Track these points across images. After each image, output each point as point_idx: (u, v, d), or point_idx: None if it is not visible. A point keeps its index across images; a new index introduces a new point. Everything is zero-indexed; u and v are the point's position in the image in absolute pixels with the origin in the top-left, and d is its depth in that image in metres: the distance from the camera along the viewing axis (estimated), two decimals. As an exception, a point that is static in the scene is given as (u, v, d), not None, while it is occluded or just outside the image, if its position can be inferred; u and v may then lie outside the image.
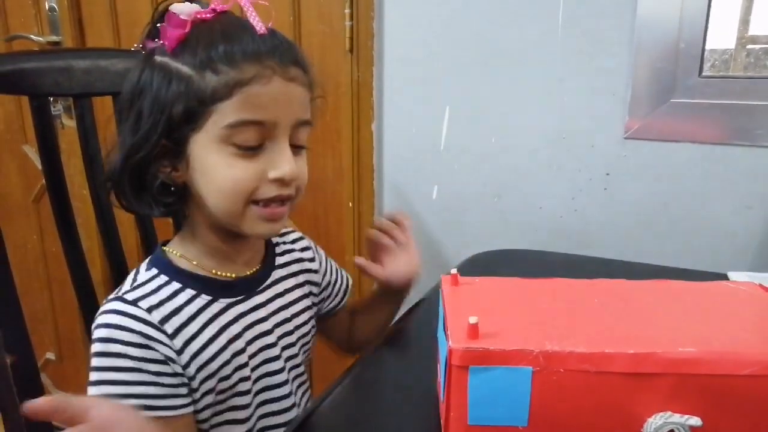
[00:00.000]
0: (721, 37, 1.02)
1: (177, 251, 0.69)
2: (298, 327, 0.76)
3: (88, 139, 0.82)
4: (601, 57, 1.06)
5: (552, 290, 0.59)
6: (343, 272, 0.88)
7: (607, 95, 1.08)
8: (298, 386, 0.77)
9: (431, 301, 0.87)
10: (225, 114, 0.60)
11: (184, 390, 0.63)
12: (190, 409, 0.63)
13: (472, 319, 0.47)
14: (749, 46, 1.04)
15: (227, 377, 0.67)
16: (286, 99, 0.63)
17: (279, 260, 0.77)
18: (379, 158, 1.27)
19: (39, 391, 0.66)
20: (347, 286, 0.87)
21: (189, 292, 0.66)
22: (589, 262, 1.00)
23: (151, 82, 0.62)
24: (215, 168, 0.62)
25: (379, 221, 0.85)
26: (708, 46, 1.01)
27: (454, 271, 0.59)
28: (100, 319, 0.62)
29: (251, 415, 0.71)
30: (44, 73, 0.74)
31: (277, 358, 0.72)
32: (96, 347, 0.61)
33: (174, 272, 0.67)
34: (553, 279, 0.61)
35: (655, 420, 0.47)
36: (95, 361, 0.61)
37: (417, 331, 0.81)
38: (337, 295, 0.85)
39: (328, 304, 0.85)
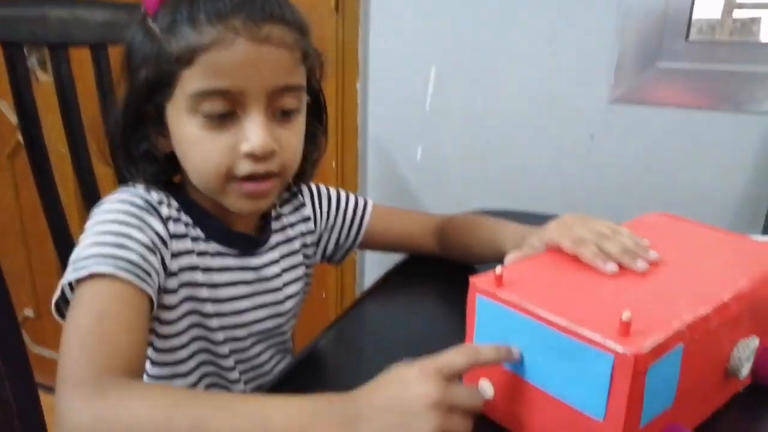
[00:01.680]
0: (709, 1, 1.02)
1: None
2: (289, 297, 0.74)
3: (65, 92, 0.79)
4: (589, 20, 1.05)
5: (572, 263, 0.56)
6: (352, 202, 0.81)
7: (594, 58, 1.07)
8: (276, 353, 0.76)
9: (414, 260, 0.88)
10: (188, 83, 0.56)
11: (156, 279, 0.57)
12: (152, 297, 0.56)
13: (626, 315, 0.42)
14: (736, 11, 1.04)
15: (203, 314, 0.65)
16: (255, 63, 0.56)
17: (275, 225, 0.73)
18: (363, 118, 1.26)
19: (20, 344, 0.66)
20: (361, 212, 0.81)
21: (186, 218, 0.64)
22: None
23: (134, 42, 0.59)
24: (187, 141, 0.59)
25: None
26: (695, 10, 1.01)
27: (498, 270, 0.51)
28: (102, 200, 0.60)
29: (234, 367, 0.70)
30: (18, 21, 0.71)
31: (243, 325, 0.69)
32: (90, 220, 0.58)
33: (178, 196, 0.64)
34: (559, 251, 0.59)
35: (740, 350, 0.52)
36: (85, 228, 0.57)
37: (400, 289, 0.82)
38: (348, 233, 0.81)
39: (344, 243, 0.81)
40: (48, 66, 1.43)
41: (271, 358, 0.75)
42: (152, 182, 0.64)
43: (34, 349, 1.84)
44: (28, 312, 1.83)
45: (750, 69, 0.98)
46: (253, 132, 0.57)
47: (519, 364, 0.49)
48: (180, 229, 0.63)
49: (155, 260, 0.58)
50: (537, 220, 1.06)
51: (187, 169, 0.62)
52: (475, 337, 0.53)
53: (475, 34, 1.13)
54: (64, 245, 0.83)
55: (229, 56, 0.55)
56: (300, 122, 0.63)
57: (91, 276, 0.53)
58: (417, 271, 0.86)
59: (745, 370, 0.53)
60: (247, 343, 0.70)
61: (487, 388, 0.52)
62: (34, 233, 1.74)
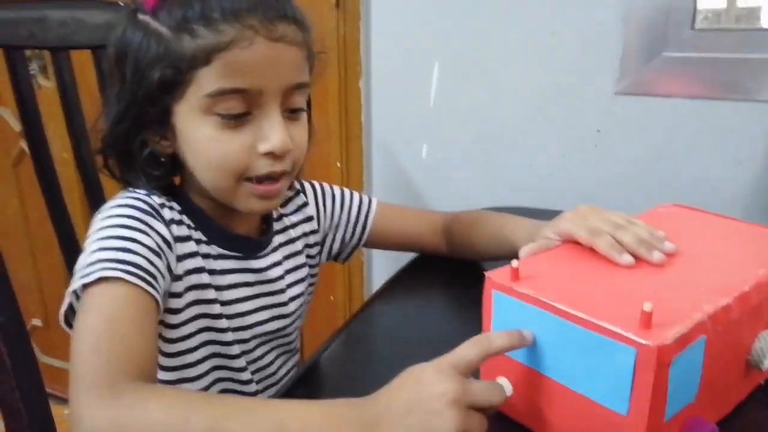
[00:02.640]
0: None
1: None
2: (293, 298, 0.72)
3: (67, 96, 0.79)
4: (593, 10, 1.04)
5: (588, 255, 0.55)
6: (356, 200, 0.81)
7: (598, 49, 1.06)
8: (281, 354, 0.75)
9: (423, 260, 0.87)
10: (204, 82, 0.55)
11: (162, 283, 0.57)
12: (159, 300, 0.55)
13: (648, 306, 0.41)
14: (742, -1, 1.03)
15: (203, 316, 0.64)
16: (273, 63, 0.57)
17: (277, 225, 0.73)
18: (367, 116, 1.25)
19: (29, 353, 0.65)
20: (366, 210, 0.81)
21: (187, 223, 0.63)
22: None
23: (132, 42, 0.57)
24: (201, 141, 0.58)
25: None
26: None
27: (515, 263, 0.49)
28: (105, 206, 0.60)
29: (245, 368, 0.69)
30: (17, 24, 0.70)
31: (247, 327, 0.69)
32: (93, 225, 0.57)
33: (175, 195, 0.64)
34: (572, 245, 0.58)
35: (762, 342, 0.51)
36: (88, 234, 0.57)
37: (410, 289, 0.81)
38: (353, 232, 0.80)
39: (349, 241, 0.81)
40: (49, 72, 1.44)
41: (276, 358, 0.74)
42: (156, 187, 0.63)
43: (42, 359, 1.84)
44: (36, 321, 1.83)
45: (758, 56, 0.97)
46: (273, 131, 0.58)
47: (535, 356, 0.48)
48: (183, 231, 0.62)
49: (161, 264, 0.57)
50: (545, 216, 1.05)
51: (196, 170, 0.61)
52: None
53: (477, 28, 1.12)
54: (72, 253, 0.83)
55: (248, 55, 0.55)
56: (305, 119, 0.63)
57: (99, 281, 0.52)
58: (427, 271, 0.85)
59: (767, 362, 0.51)
60: (252, 345, 0.70)
61: (505, 385, 0.51)
62: (41, 242, 1.74)
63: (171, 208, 0.62)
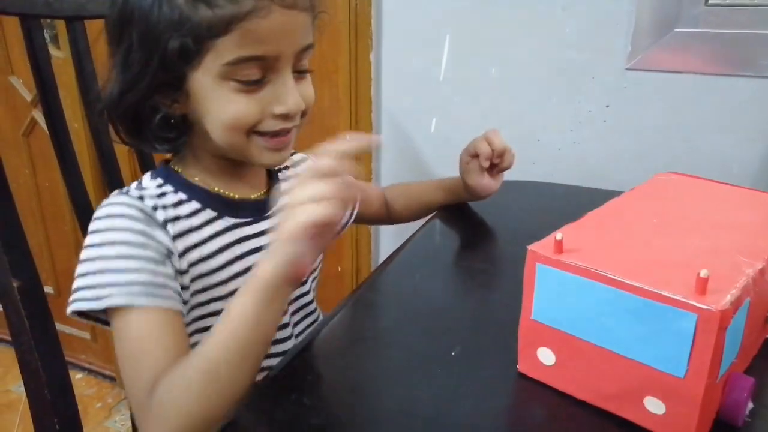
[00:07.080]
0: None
1: (179, 168, 0.67)
2: None
3: (82, 66, 0.79)
4: (606, -16, 1.04)
5: (614, 225, 0.56)
6: None
7: (609, 25, 1.05)
8: (304, 316, 0.77)
9: (431, 230, 0.88)
10: (223, 51, 0.57)
11: (177, 286, 0.61)
12: (180, 307, 0.60)
13: (704, 273, 0.42)
14: (757, -26, 1.02)
15: (222, 298, 0.66)
16: (287, 29, 0.59)
17: (283, 185, 0.74)
18: (377, 90, 1.25)
19: (47, 315, 0.67)
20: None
21: (194, 205, 0.65)
22: (589, 193, 1.01)
23: (140, 6, 0.57)
24: (217, 104, 0.60)
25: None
26: (715, -26, 0.99)
27: (559, 236, 0.50)
28: (100, 211, 0.61)
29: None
30: (35, -6, 0.71)
31: None
32: (92, 232, 0.60)
33: (179, 184, 0.66)
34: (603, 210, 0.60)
35: None
36: (89, 241, 0.59)
37: (419, 256, 0.82)
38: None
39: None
40: (61, 42, 1.43)
41: (299, 319, 0.77)
42: (171, 150, 0.66)
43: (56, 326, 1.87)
44: (48, 289, 1.86)
45: (771, 33, 0.97)
46: (289, 95, 0.61)
47: (581, 324, 0.49)
48: (181, 226, 0.63)
49: (168, 270, 0.60)
50: (554, 190, 1.06)
51: (211, 130, 0.62)
52: (535, 306, 0.52)
53: (489, 2, 1.12)
54: (87, 223, 0.83)
55: (266, 24, 0.57)
56: (309, 76, 0.67)
57: (119, 308, 0.56)
58: (435, 240, 0.86)
59: None
60: None
61: (547, 355, 0.52)
62: (53, 211, 1.76)
63: (164, 205, 0.63)
